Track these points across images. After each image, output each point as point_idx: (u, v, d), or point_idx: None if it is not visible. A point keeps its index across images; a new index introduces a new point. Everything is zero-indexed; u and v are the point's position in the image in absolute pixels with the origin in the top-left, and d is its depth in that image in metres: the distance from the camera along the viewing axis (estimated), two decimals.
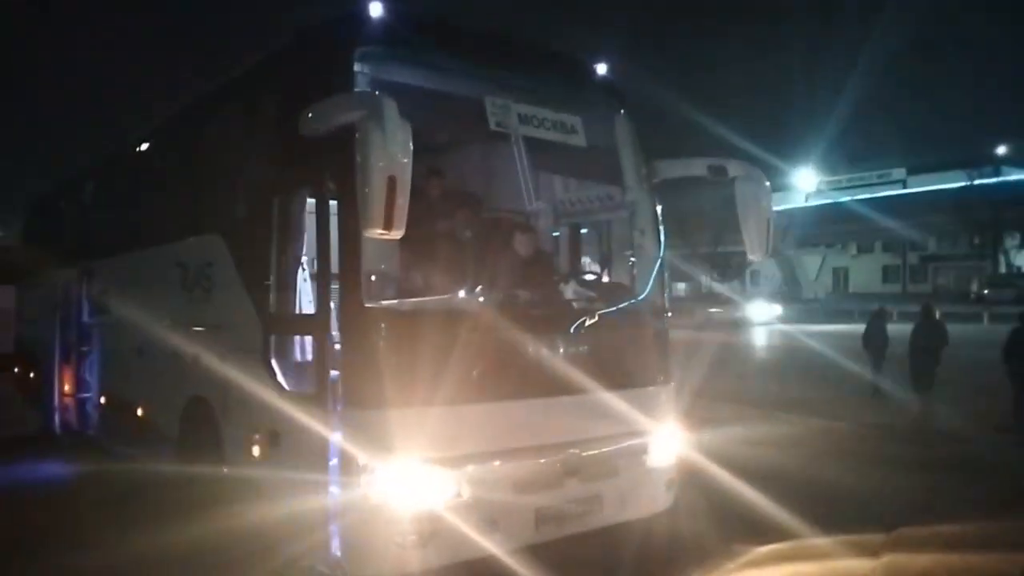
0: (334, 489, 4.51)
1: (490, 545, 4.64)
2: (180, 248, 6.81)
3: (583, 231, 6.13)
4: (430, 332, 4.56)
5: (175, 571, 5.33)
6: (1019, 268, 53.51)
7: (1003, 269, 52.96)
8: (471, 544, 4.57)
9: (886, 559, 5.61)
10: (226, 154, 6.20)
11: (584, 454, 5.10)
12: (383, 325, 4.49)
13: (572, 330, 5.10)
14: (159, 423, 7.02)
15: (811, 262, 63.61)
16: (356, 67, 4.69)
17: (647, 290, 5.76)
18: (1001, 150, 51.06)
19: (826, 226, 57.46)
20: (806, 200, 59.13)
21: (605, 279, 5.99)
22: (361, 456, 4.40)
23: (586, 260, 6.09)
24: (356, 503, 4.41)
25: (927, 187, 53.95)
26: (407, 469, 4.41)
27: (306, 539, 4.59)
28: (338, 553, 4.51)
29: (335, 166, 4.57)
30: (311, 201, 4.98)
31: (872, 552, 5.78)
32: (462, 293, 4.86)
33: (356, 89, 4.61)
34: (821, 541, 5.95)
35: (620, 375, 5.40)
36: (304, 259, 5.09)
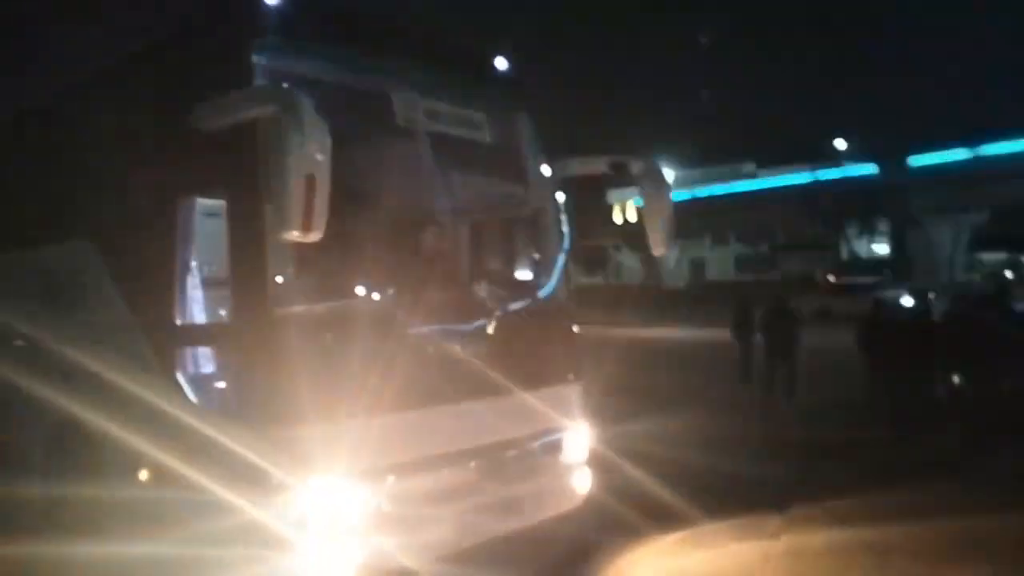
0: (248, 510, 4.21)
1: (415, 555, 4.48)
2: (41, 254, 6.19)
3: (487, 229, 6.01)
4: (342, 340, 4.35)
5: None
6: (859, 255, 57.77)
7: (845, 256, 57.15)
8: (395, 556, 4.40)
9: (784, 539, 5.86)
10: (101, 150, 5.67)
11: (502, 456, 5.04)
12: (293, 334, 4.23)
13: (483, 331, 5.00)
14: (21, 450, 6.38)
15: (670, 254, 66.14)
16: (254, 58, 4.39)
17: (555, 288, 5.75)
18: (841, 145, 54.87)
19: (682, 219, 59.72)
20: None
21: (513, 277, 5.91)
22: (277, 474, 4.14)
23: (492, 259, 5.99)
24: (271, 524, 4.14)
25: (775, 180, 57.36)
26: (327, 485, 4.18)
27: (217, 561, 4.26)
28: None
29: (238, 164, 4.28)
30: (206, 202, 4.65)
31: (770, 533, 6.02)
32: (376, 298, 4.66)
33: (255, 82, 4.32)
34: (721, 525, 6.15)
35: (532, 374, 5.33)
36: (200, 264, 4.74)
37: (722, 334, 15.39)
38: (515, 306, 5.36)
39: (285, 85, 3.91)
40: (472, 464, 4.86)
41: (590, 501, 5.76)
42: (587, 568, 5.51)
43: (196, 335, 4.63)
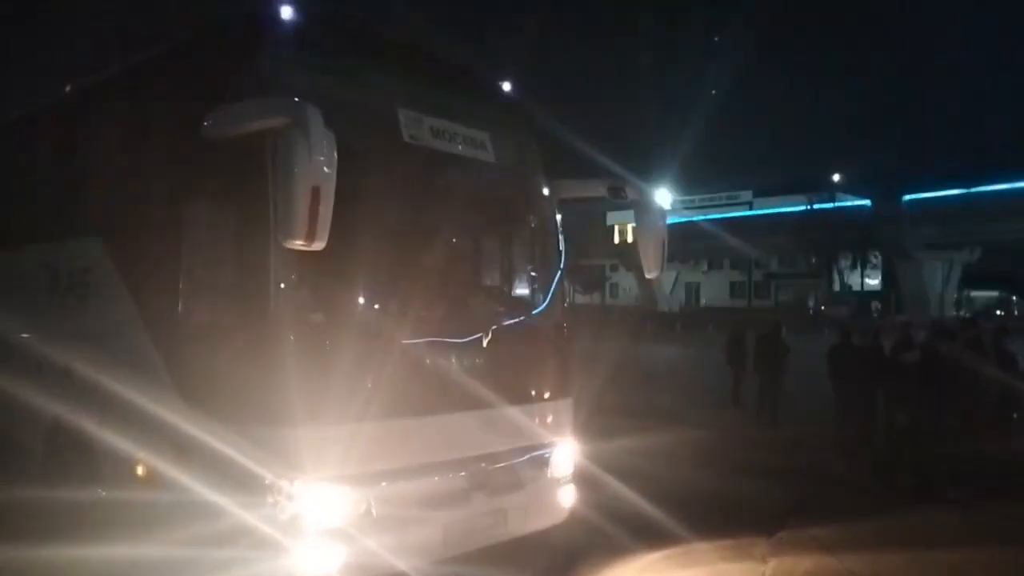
0: (239, 511, 4.30)
1: (400, 563, 4.57)
2: (51, 252, 6.30)
3: (486, 246, 6.14)
4: (340, 347, 4.43)
5: None
6: (851, 287, 58.08)
7: (837, 287, 57.48)
8: (381, 562, 4.49)
9: (772, 564, 5.95)
10: (113, 152, 5.80)
11: (490, 468, 5.13)
12: (292, 338, 4.34)
13: (477, 345, 5.09)
14: (19, 446, 6.47)
15: (666, 277, 66.47)
16: (268, 70, 4.53)
17: (550, 305, 5.87)
18: (836, 177, 55.33)
19: (680, 243, 60.29)
20: None
21: (509, 294, 6.03)
22: (268, 476, 4.23)
23: (489, 275, 6.10)
24: (262, 524, 4.24)
25: (771, 209, 57.80)
26: (317, 488, 4.28)
27: (207, 562, 4.35)
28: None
29: (246, 172, 4.39)
30: (211, 206, 4.76)
31: (759, 557, 6.12)
32: (373, 307, 4.78)
33: (266, 93, 4.45)
34: (707, 545, 6.25)
35: (524, 389, 5.48)
36: (203, 268, 4.85)
37: (713, 355, 15.55)
38: (510, 321, 5.46)
39: (295, 98, 4.03)
40: (460, 474, 4.95)
41: (575, 516, 5.86)
42: None
43: (194, 336, 4.70)
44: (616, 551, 6.04)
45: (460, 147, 5.39)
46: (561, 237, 6.10)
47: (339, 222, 3.97)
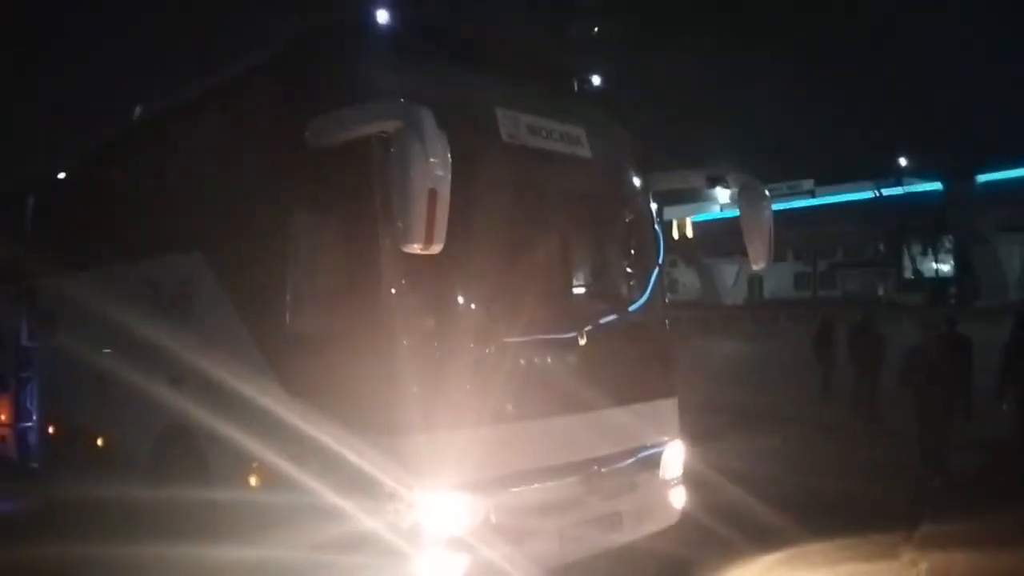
0: (358, 518, 4.24)
1: (520, 570, 4.47)
2: (151, 266, 6.39)
3: (586, 242, 6.00)
4: (454, 351, 4.38)
5: None
6: (922, 273, 56.28)
7: (910, 275, 55.71)
8: (503, 570, 4.40)
9: (923, 565, 5.66)
10: (210, 165, 5.84)
11: (604, 470, 5.00)
12: (407, 344, 4.28)
13: (589, 344, 4.98)
14: (125, 453, 6.59)
15: (728, 271, 65.39)
16: (367, 75, 4.51)
17: (652, 300, 5.73)
18: (903, 162, 53.67)
19: (741, 236, 59.08)
20: (720, 211, 60.91)
21: (614, 291, 5.88)
22: (389, 484, 4.17)
23: (592, 272, 5.97)
24: (384, 533, 4.17)
25: (835, 198, 56.30)
26: (438, 496, 4.20)
27: (327, 567, 4.31)
28: None
29: (353, 178, 4.36)
30: (316, 215, 4.74)
31: (901, 557, 5.85)
32: (484, 309, 4.68)
33: (368, 99, 4.40)
34: (834, 546, 6.00)
35: (633, 388, 5.33)
36: (310, 277, 4.83)
37: (791, 349, 15.12)
38: (617, 319, 5.37)
39: (405, 101, 3.98)
40: (576, 478, 4.83)
41: (688, 518, 5.69)
42: None
43: (310, 345, 4.68)
44: (732, 553, 5.86)
45: (557, 144, 5.29)
46: (659, 230, 5.95)
47: (449, 225, 3.92)
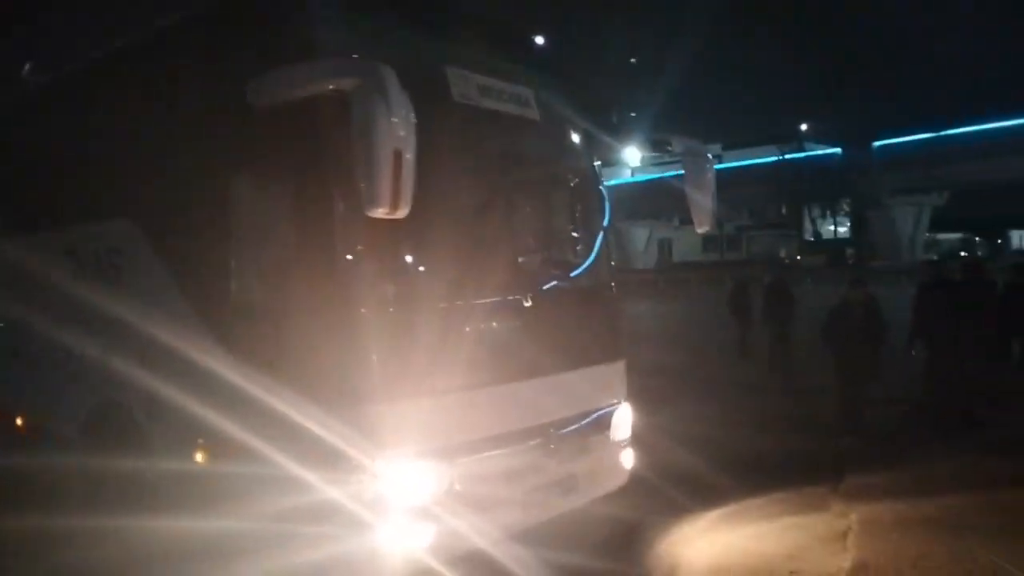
0: (321, 490, 4.12)
1: (484, 536, 4.46)
2: (74, 235, 6.00)
3: (532, 205, 5.94)
4: (412, 318, 4.28)
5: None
6: (821, 235, 58.76)
7: (811, 237, 58.07)
8: (467, 537, 4.37)
9: (853, 516, 5.90)
10: (137, 126, 5.48)
11: (560, 434, 5.00)
12: (364, 312, 4.14)
13: (542, 307, 4.94)
14: (50, 432, 6.25)
15: (639, 235, 66.64)
16: (315, 29, 4.29)
17: (600, 264, 5.73)
18: (804, 127, 55.61)
19: (651, 200, 60.32)
20: (632, 175, 61.79)
21: (564, 254, 5.84)
22: (351, 454, 4.05)
23: (540, 236, 5.90)
24: (348, 504, 4.07)
25: (741, 162, 57.90)
26: (401, 465, 4.12)
27: (291, 543, 4.18)
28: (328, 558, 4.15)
29: (305, 140, 4.18)
30: (259, 179, 4.54)
31: (831, 509, 6.10)
32: (440, 275, 4.58)
33: (315, 55, 4.21)
34: (768, 500, 6.21)
35: (586, 351, 5.35)
36: (257, 245, 4.62)
37: (703, 310, 15.47)
38: (569, 283, 5.34)
39: (365, 57, 3.80)
40: (535, 442, 4.83)
41: (635, 479, 5.79)
42: (642, 545, 5.54)
43: (261, 315, 4.49)
44: (677, 511, 5.99)
45: (508, 104, 5.18)
46: (605, 194, 5.95)
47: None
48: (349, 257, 4.14)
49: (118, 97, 5.70)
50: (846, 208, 57.85)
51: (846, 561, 5.18)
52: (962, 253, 52.35)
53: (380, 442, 4.09)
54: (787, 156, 54.15)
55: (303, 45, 4.24)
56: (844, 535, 5.60)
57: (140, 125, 5.43)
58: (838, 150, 55.12)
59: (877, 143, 52.79)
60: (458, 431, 4.40)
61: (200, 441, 4.80)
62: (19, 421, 6.75)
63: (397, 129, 3.60)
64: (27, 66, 6.91)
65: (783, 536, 5.70)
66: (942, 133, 50.01)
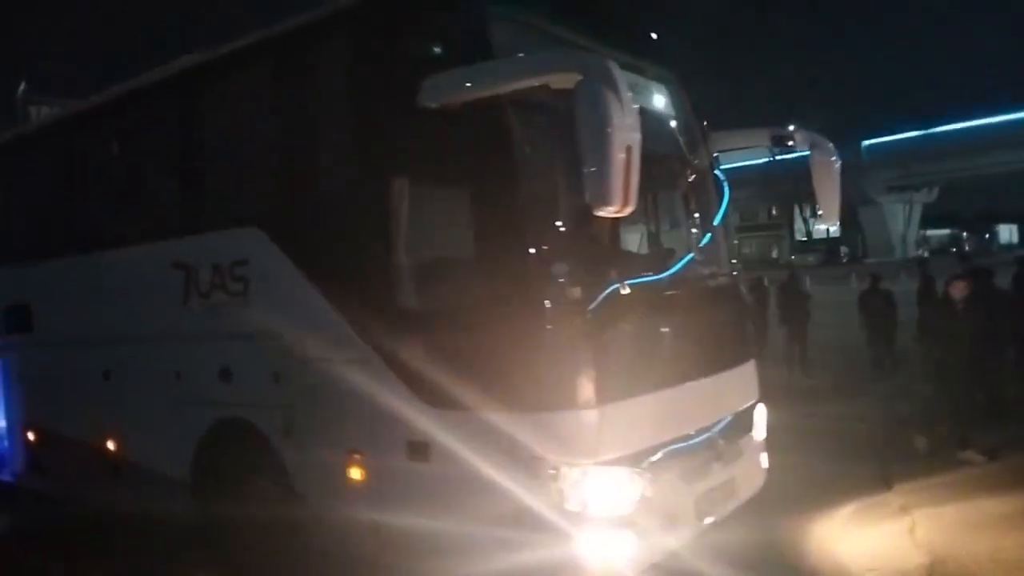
0: (516, 495, 3.94)
1: (670, 542, 4.32)
2: (182, 247, 5.75)
3: (675, 204, 5.82)
4: (618, 318, 4.13)
5: None
6: (811, 235, 59.23)
7: (803, 237, 58.48)
8: (657, 545, 4.23)
9: (915, 512, 6.07)
10: (266, 132, 5.30)
11: (725, 435, 4.89)
12: (574, 315, 3.99)
13: (709, 306, 4.91)
14: (150, 458, 5.98)
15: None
16: (493, 26, 4.15)
17: (732, 261, 5.66)
18: (792, 128, 55.89)
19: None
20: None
21: (714, 253, 5.68)
22: (549, 463, 3.90)
23: (685, 235, 5.76)
24: (541, 510, 3.90)
25: (733, 164, 58.08)
26: (601, 472, 3.97)
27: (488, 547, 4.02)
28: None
29: (485, 141, 4.03)
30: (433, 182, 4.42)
31: (892, 506, 6.28)
32: (621, 275, 4.42)
33: (490, 53, 4.07)
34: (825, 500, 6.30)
35: (737, 347, 5.32)
36: (418, 248, 4.44)
37: None
38: (721, 280, 5.30)
39: (584, 52, 3.69)
40: (706, 443, 4.71)
41: None
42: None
43: (440, 322, 4.31)
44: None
45: (649, 100, 5.07)
46: (726, 189, 5.86)
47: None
48: (549, 261, 3.98)
49: (236, 104, 5.52)
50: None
51: (922, 558, 5.21)
52: (952, 248, 53.01)
53: (581, 449, 3.94)
54: (778, 157, 54.41)
55: (477, 44, 4.12)
56: (910, 532, 5.68)
57: (269, 131, 5.26)
58: None
59: (866, 142, 53.34)
60: (650, 435, 4.27)
61: (353, 458, 4.62)
62: (110, 446, 6.45)
63: (628, 124, 3.47)
64: (21, 87, 6.59)
65: (847, 535, 5.74)
66: (930, 131, 50.66)
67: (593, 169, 3.46)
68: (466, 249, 4.24)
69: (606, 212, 3.52)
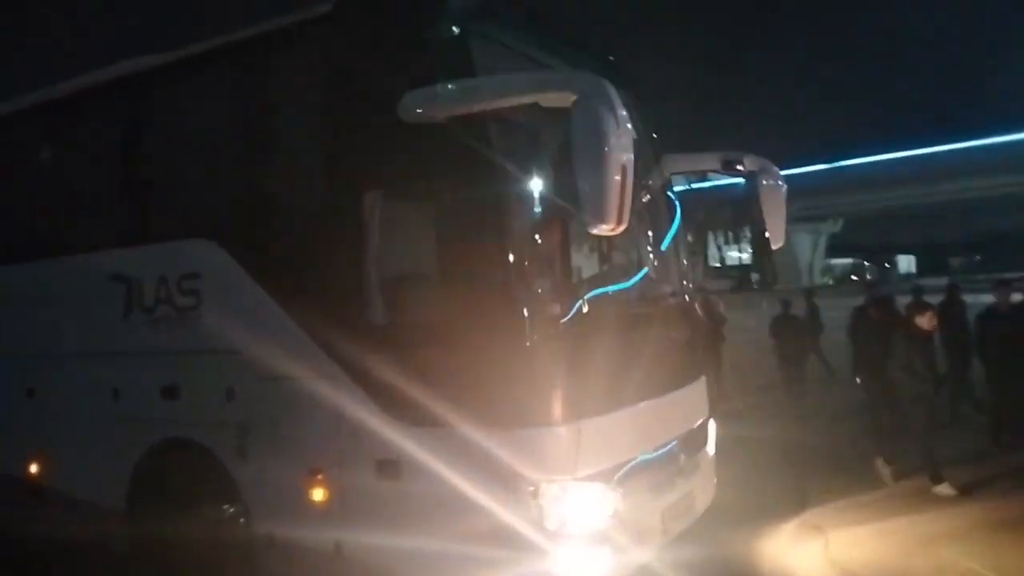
0: (493, 513, 3.89)
1: (639, 557, 4.34)
2: (126, 259, 5.49)
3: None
4: (587, 337, 4.13)
5: None
6: (724, 261, 60.98)
7: (718, 263, 60.19)
8: (626, 560, 4.23)
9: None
10: (225, 141, 5.14)
11: (686, 449, 4.98)
12: (549, 334, 3.97)
13: (673, 321, 5.05)
14: (79, 482, 5.64)
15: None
16: (472, 42, 4.15)
17: (691, 279, 5.81)
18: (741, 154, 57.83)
19: None
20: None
21: (674, 271, 5.77)
22: (528, 479, 3.87)
23: (647, 255, 5.82)
24: (518, 527, 3.86)
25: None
26: (576, 488, 3.96)
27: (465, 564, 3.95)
28: None
29: (466, 155, 3.98)
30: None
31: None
32: (592, 289, 4.47)
33: (469, 66, 4.09)
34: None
35: (694, 364, 5.45)
36: (392, 263, 4.36)
37: None
38: (681, 298, 5.41)
39: (581, 71, 3.72)
40: (670, 458, 4.78)
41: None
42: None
43: (413, 338, 4.21)
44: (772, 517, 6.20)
45: None
46: (679, 212, 6.01)
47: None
48: (524, 279, 3.98)
49: (194, 110, 5.34)
50: (748, 234, 60.23)
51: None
52: (853, 276, 55.59)
53: (555, 466, 3.92)
54: (693, 186, 56.04)
55: (453, 57, 4.11)
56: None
57: (227, 140, 5.11)
58: (741, 180, 57.53)
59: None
60: (622, 450, 4.30)
61: (315, 479, 4.47)
62: (33, 469, 6.05)
63: (624, 144, 3.49)
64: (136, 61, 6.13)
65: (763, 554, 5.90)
66: (836, 164, 53.13)
67: (588, 188, 3.47)
68: (440, 263, 4.20)
69: (601, 230, 3.54)
